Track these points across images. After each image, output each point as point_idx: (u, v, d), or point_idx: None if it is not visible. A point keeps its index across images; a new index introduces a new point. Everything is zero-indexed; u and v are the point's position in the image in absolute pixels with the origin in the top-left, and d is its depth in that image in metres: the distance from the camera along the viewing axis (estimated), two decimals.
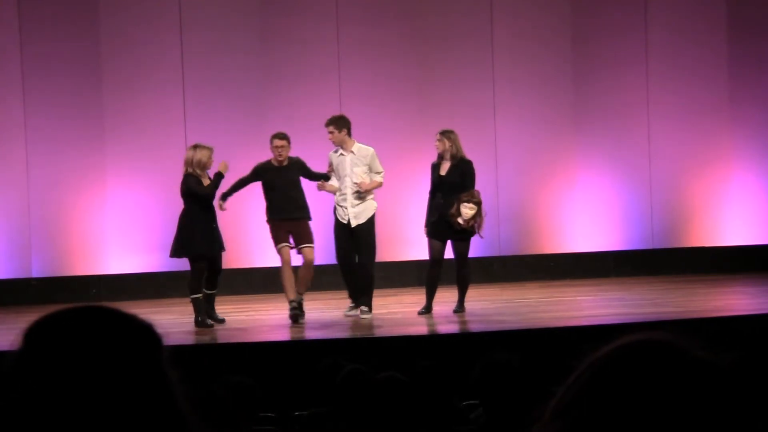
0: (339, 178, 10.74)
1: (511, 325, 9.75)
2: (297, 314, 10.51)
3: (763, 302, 11.06)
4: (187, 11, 13.57)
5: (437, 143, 10.73)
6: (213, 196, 10.47)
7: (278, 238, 10.69)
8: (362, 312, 10.61)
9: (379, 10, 13.86)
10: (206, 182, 10.45)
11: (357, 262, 10.75)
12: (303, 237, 10.67)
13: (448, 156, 10.67)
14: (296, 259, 10.81)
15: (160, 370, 1.41)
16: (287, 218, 10.66)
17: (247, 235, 13.28)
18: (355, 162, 10.68)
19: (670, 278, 13.32)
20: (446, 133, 10.73)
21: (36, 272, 13.32)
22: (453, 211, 10.48)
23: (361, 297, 10.66)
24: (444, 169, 10.69)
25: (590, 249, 13.99)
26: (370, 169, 10.70)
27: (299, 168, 10.82)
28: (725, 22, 14.20)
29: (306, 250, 10.68)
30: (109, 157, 13.38)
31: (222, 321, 10.59)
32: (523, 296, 12.29)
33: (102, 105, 13.43)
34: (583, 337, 8.69)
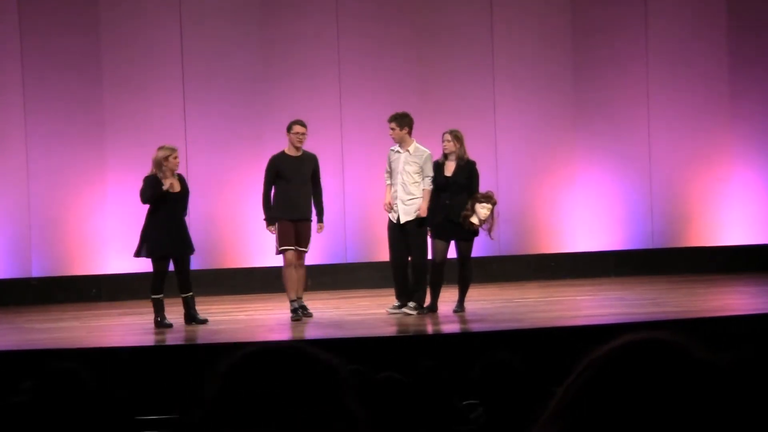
0: (392, 176, 10.77)
1: (511, 325, 9.75)
2: (299, 315, 10.54)
3: (763, 302, 11.06)
4: (187, 9, 13.57)
5: (447, 143, 10.64)
6: (145, 201, 10.37)
7: (284, 240, 10.63)
8: (408, 307, 10.60)
9: (379, 7, 13.86)
10: (173, 183, 10.39)
11: (410, 261, 10.71)
12: (305, 240, 10.66)
13: (454, 156, 10.63)
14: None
15: (345, 406, 1.48)
16: (299, 218, 10.61)
17: (247, 235, 13.28)
18: (409, 161, 10.67)
19: (670, 278, 13.31)
20: (455, 133, 10.68)
21: (36, 272, 13.32)
22: (467, 211, 10.44)
23: (413, 294, 10.66)
24: (449, 169, 10.64)
25: (590, 249, 13.98)
26: (422, 171, 10.69)
27: (314, 165, 10.76)
28: (725, 19, 14.19)
29: (304, 254, 10.68)
30: (109, 156, 13.38)
31: (205, 321, 10.50)
32: (523, 296, 12.29)
33: (102, 103, 13.43)
34: (583, 337, 8.68)
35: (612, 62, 14.10)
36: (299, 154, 10.69)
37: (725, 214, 14.14)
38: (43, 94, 13.33)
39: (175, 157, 10.41)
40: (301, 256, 10.69)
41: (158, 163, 10.34)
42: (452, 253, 10.76)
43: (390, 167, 10.81)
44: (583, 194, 14.05)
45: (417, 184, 10.68)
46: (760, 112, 14.20)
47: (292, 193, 10.62)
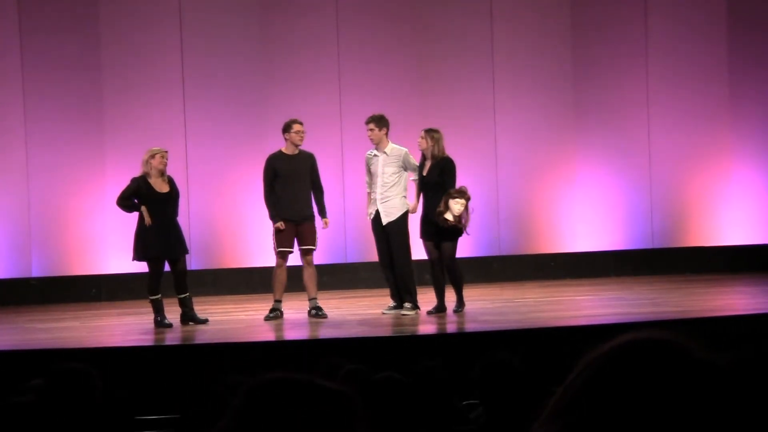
0: (371, 177, 10.81)
1: (511, 325, 9.74)
2: (276, 315, 10.59)
3: (763, 302, 11.06)
4: (187, 11, 13.57)
5: (420, 140, 10.66)
6: (121, 206, 10.41)
7: (281, 241, 10.66)
8: (404, 308, 10.63)
9: (378, 7, 13.86)
10: (161, 184, 10.41)
11: (393, 262, 10.73)
12: (308, 239, 10.65)
13: (429, 154, 10.63)
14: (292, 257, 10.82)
15: (354, 429, 1.53)
16: (295, 219, 10.62)
17: (247, 235, 13.28)
18: (387, 162, 10.72)
19: (670, 278, 13.31)
20: (430, 132, 10.67)
21: (36, 272, 13.32)
22: (441, 208, 10.39)
23: (404, 296, 10.68)
24: (426, 169, 10.66)
25: (590, 249, 13.98)
26: (405, 169, 10.72)
27: (311, 163, 10.77)
28: (725, 18, 14.19)
29: (308, 254, 10.67)
30: (109, 157, 13.38)
31: (205, 321, 10.51)
32: (523, 296, 12.29)
33: (102, 104, 13.43)
34: (583, 337, 8.68)
35: (612, 61, 14.10)
36: (296, 153, 10.72)
37: (725, 214, 14.14)
38: (43, 94, 13.33)
39: (162, 156, 10.42)
40: (308, 255, 10.69)
41: (146, 164, 10.38)
42: None
43: (369, 171, 10.85)
44: (583, 194, 14.05)
45: (397, 185, 10.71)
46: (760, 111, 14.20)
47: (290, 192, 10.64)
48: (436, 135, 10.63)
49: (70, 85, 13.37)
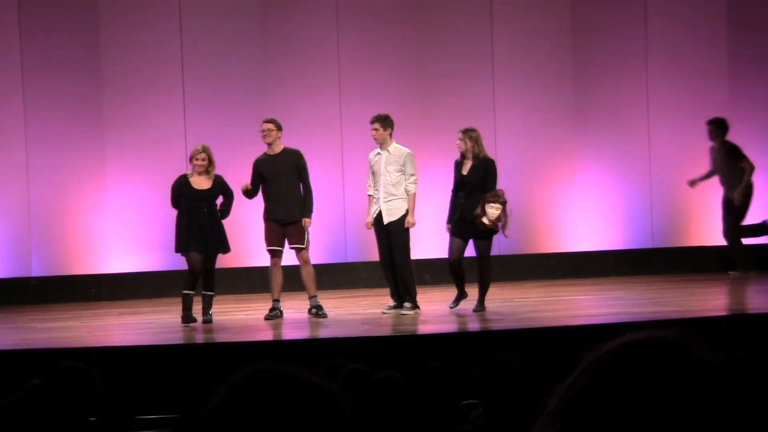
0: (374, 177, 10.82)
1: (511, 325, 9.75)
2: (274, 315, 10.60)
3: (763, 302, 11.06)
4: (186, 11, 13.57)
5: (459, 142, 10.70)
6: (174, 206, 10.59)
7: (269, 240, 10.74)
8: (404, 308, 10.65)
9: (379, 8, 13.86)
10: (202, 182, 10.46)
11: (394, 261, 10.74)
12: (294, 239, 10.67)
13: (470, 155, 10.64)
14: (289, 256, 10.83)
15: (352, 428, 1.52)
16: (279, 220, 10.66)
17: (248, 235, 13.28)
18: (390, 161, 10.75)
19: (670, 278, 13.31)
20: (468, 132, 10.70)
21: (36, 272, 13.32)
22: (478, 211, 10.42)
23: (404, 296, 10.69)
24: (466, 168, 10.65)
25: (590, 248, 13.98)
26: (403, 171, 10.73)
27: (295, 161, 10.76)
28: (725, 20, 14.20)
29: (300, 252, 10.68)
30: (109, 157, 13.38)
31: (208, 321, 10.55)
32: (523, 296, 12.29)
33: (102, 104, 13.43)
34: (583, 336, 8.68)
35: (612, 62, 14.10)
36: (277, 152, 10.73)
37: None
38: (43, 94, 13.33)
39: (195, 159, 10.51)
40: (301, 254, 10.69)
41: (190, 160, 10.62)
42: (469, 252, 10.72)
43: (372, 170, 10.86)
44: (583, 194, 14.05)
45: (399, 183, 10.73)
46: (760, 111, 14.19)
47: (273, 193, 10.72)
48: (474, 134, 10.66)
49: (70, 85, 13.37)
